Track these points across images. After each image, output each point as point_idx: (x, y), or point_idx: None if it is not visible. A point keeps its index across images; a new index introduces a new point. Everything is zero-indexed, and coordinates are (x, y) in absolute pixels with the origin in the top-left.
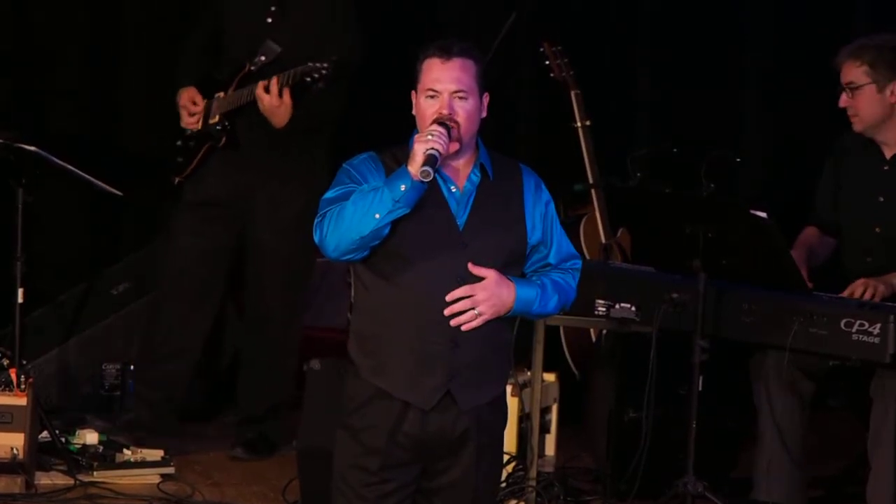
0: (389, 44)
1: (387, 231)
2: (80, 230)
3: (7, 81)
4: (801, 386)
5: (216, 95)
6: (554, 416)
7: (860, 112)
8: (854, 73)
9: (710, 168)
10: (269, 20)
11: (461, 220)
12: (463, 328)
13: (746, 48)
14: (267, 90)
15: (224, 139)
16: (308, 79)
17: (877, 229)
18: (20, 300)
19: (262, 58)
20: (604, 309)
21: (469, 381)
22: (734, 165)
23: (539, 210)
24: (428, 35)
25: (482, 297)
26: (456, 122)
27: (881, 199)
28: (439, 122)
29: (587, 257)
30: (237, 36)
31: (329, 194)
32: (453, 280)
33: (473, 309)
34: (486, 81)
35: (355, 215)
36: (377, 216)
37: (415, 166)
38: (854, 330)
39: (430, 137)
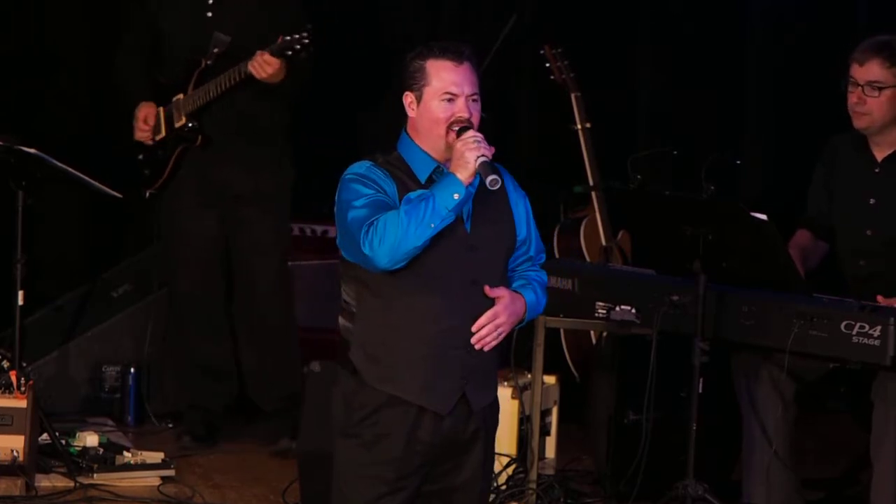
0: (390, 46)
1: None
2: (80, 232)
3: (8, 84)
4: (784, 385)
5: (174, 99)
6: (554, 418)
7: (875, 111)
8: (882, 73)
9: (710, 170)
10: (210, 14)
11: (467, 224)
12: (486, 348)
13: (747, 50)
14: (262, 66)
15: (199, 138)
16: (290, 52)
17: (868, 232)
18: (20, 302)
19: (216, 50)
20: (604, 311)
21: (480, 383)
22: (734, 168)
23: (521, 207)
24: (429, 38)
25: (503, 319)
26: (472, 125)
27: (872, 202)
28: (465, 127)
29: (588, 259)
30: (178, 36)
31: (358, 203)
32: (465, 284)
33: (497, 330)
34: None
35: (410, 226)
36: (432, 226)
37: (465, 174)
38: (854, 332)
39: (476, 144)
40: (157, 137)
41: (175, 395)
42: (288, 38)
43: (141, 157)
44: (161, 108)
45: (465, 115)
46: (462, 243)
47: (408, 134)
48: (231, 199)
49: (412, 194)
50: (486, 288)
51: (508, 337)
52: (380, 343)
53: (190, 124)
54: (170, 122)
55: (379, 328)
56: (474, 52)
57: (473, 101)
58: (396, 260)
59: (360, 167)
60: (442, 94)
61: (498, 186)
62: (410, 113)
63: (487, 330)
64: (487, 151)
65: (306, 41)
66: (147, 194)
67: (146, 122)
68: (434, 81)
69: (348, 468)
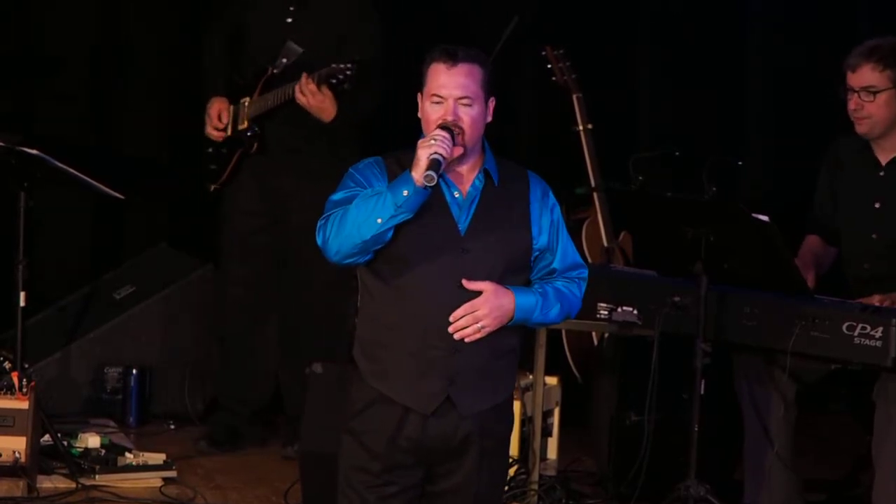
0: (392, 47)
1: (389, 235)
2: (82, 234)
3: (9, 84)
4: (784, 385)
5: (242, 101)
6: (556, 419)
7: (874, 116)
8: (874, 77)
9: (712, 171)
10: (289, 20)
11: (463, 226)
12: (466, 340)
13: (748, 50)
14: (302, 92)
15: (255, 145)
16: (333, 80)
17: (873, 235)
18: (22, 304)
19: (284, 59)
20: (606, 312)
21: (470, 387)
22: (735, 168)
23: (545, 217)
24: (431, 39)
25: (484, 312)
26: (460, 128)
27: (877, 206)
28: (443, 126)
29: (589, 260)
30: (258, 37)
31: (334, 197)
32: (454, 285)
33: (477, 323)
34: (492, 86)
35: (358, 219)
36: (379, 221)
37: (418, 171)
38: (856, 333)
39: (433, 142)
40: (219, 139)
41: (196, 396)
42: (334, 66)
43: (210, 150)
44: (232, 107)
45: (450, 117)
46: (454, 245)
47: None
48: (285, 210)
49: (369, 190)
50: (464, 281)
51: (513, 340)
52: (373, 341)
53: (250, 131)
54: (235, 122)
55: (373, 326)
56: (476, 54)
57: (464, 104)
58: (345, 253)
59: (363, 162)
60: (431, 97)
61: (432, 184)
62: (420, 114)
63: (465, 321)
64: (444, 150)
65: (349, 72)
66: (211, 189)
67: (220, 118)
68: (428, 83)
69: (346, 460)
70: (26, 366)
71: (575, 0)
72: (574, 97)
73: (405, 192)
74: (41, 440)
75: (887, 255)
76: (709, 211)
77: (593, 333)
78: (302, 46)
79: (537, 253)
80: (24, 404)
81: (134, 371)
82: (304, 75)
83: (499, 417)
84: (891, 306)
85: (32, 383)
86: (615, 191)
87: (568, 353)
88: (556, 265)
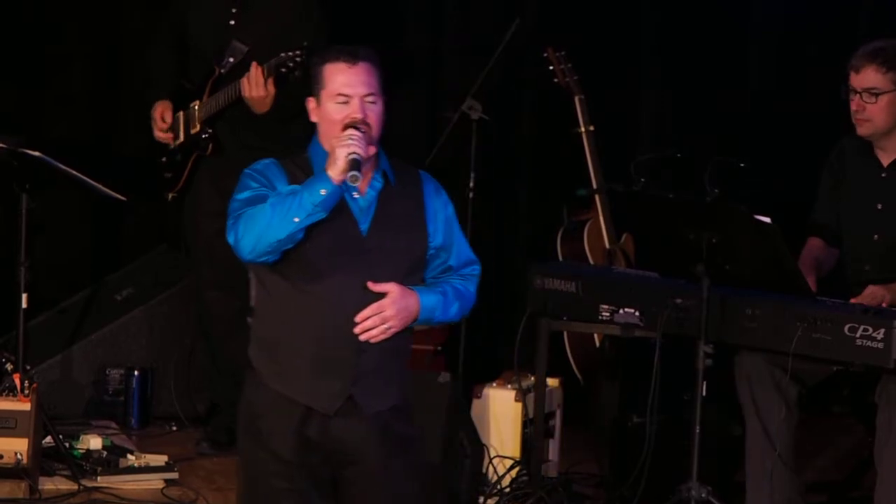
0: (391, 50)
1: (301, 235)
2: (83, 235)
3: (11, 86)
4: (786, 387)
5: (192, 105)
6: (558, 421)
7: (875, 118)
8: (877, 78)
9: (714, 173)
10: (232, 22)
11: (364, 227)
12: (372, 340)
13: (750, 52)
14: (250, 82)
15: (210, 147)
16: (284, 69)
17: (875, 237)
18: (24, 306)
19: (230, 59)
20: (608, 314)
21: (372, 387)
22: (738, 170)
23: (440, 215)
24: (431, 40)
25: (391, 313)
26: (368, 125)
27: (879, 207)
28: (353, 126)
29: (591, 262)
30: (202, 40)
31: (239, 197)
32: (357, 286)
33: (384, 324)
34: (387, 86)
35: (273, 218)
36: (296, 220)
37: (335, 170)
38: (858, 335)
39: (350, 142)
40: (177, 143)
41: (195, 398)
42: (283, 54)
43: (164, 159)
44: (181, 112)
45: (359, 115)
46: (356, 246)
47: (317, 137)
48: None
49: (285, 189)
50: (370, 283)
51: (408, 342)
52: (271, 341)
53: (204, 133)
54: (187, 127)
55: (271, 326)
56: (373, 53)
57: (369, 102)
58: (259, 252)
59: (260, 164)
60: (336, 96)
61: (356, 183)
62: (313, 117)
63: (372, 322)
64: (360, 149)
65: (299, 59)
66: (169, 197)
67: (163, 119)
68: (329, 84)
69: (248, 464)
70: (28, 367)
71: (576, 2)
72: (576, 99)
73: (322, 192)
74: (43, 442)
75: (888, 256)
76: (711, 213)
77: (595, 335)
78: (247, 46)
79: (433, 251)
80: (25, 406)
81: (135, 373)
82: (254, 65)
83: (398, 417)
84: (889, 305)
85: (34, 385)
86: (617, 193)
87: (570, 355)
88: (451, 262)
